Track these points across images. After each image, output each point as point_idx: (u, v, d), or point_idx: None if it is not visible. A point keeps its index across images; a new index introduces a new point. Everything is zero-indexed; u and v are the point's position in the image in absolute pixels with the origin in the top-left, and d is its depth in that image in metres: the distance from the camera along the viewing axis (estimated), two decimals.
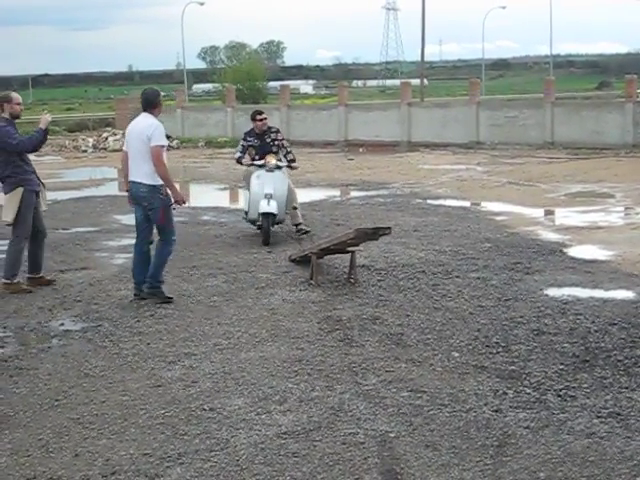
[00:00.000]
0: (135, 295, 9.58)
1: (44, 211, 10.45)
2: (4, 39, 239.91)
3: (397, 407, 6.21)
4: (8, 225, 10.13)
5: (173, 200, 9.48)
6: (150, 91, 9.76)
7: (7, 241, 10.33)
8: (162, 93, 10.05)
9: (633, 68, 61.33)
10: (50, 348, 7.92)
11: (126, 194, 9.83)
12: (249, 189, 13.16)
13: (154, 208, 9.37)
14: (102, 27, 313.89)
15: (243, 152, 13.54)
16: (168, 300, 9.42)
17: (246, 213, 13.45)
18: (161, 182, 9.32)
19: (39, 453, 5.60)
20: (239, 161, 13.67)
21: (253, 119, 13.65)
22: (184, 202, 9.85)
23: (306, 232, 13.35)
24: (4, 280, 10.09)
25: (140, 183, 9.35)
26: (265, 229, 12.81)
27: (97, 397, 6.58)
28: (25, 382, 6.97)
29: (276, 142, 13.54)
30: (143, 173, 9.31)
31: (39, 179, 10.32)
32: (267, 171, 12.97)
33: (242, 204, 14.43)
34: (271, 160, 13.08)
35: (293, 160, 13.61)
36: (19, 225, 10.04)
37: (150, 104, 9.54)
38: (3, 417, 6.24)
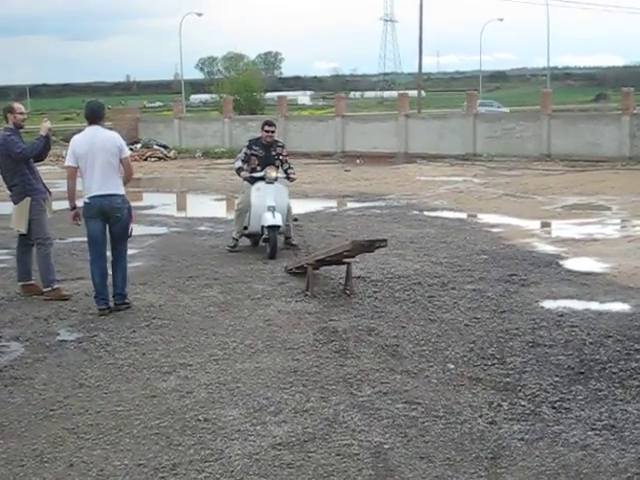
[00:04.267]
0: (101, 310, 9.41)
1: (49, 218, 10.49)
2: (2, 49, 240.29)
3: (392, 419, 6.21)
4: (22, 235, 10.29)
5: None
6: (96, 103, 9.87)
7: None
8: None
9: (630, 81, 61.43)
10: (45, 358, 7.91)
11: (72, 211, 9.69)
12: (249, 202, 13.04)
13: (123, 218, 9.47)
14: (100, 37, 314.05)
15: (244, 161, 13.29)
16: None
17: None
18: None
19: (33, 463, 5.59)
20: (238, 172, 13.43)
21: (262, 128, 13.51)
22: None
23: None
24: (44, 289, 10.22)
25: (115, 195, 9.38)
26: (273, 242, 12.69)
27: (92, 407, 6.57)
28: (20, 392, 6.96)
29: (280, 157, 13.40)
30: (115, 185, 9.39)
31: (46, 187, 10.42)
32: (267, 183, 12.93)
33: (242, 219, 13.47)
34: (271, 173, 12.99)
35: (292, 174, 13.41)
36: (37, 231, 10.18)
37: (98, 116, 9.57)
38: None
